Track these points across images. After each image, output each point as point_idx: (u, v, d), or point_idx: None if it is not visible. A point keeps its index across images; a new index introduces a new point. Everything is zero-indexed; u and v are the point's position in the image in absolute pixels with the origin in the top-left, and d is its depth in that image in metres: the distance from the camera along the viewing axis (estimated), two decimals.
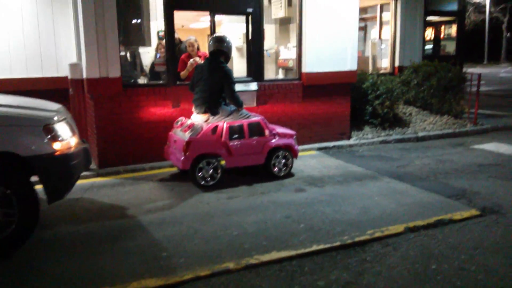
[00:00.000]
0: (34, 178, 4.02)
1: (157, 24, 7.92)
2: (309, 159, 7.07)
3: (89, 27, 6.15)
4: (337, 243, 4.01)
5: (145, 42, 7.25)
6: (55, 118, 4.10)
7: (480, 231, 4.29)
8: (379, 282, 3.38)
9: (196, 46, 7.49)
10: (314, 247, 3.93)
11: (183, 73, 7.00)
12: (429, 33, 12.80)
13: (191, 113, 6.27)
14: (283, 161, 6.09)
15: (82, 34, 6.32)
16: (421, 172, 6.35)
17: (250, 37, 7.52)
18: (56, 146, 3.97)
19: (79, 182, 5.08)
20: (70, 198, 5.07)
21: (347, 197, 5.26)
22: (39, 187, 3.99)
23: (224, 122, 5.80)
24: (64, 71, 7.74)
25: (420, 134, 8.68)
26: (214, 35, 6.16)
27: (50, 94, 6.71)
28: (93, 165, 6.33)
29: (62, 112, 4.41)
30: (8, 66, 7.53)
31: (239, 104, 5.95)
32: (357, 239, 4.09)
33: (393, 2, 11.06)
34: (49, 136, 3.94)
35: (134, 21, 6.95)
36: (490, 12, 38.90)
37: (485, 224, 4.44)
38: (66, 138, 4.12)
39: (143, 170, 6.52)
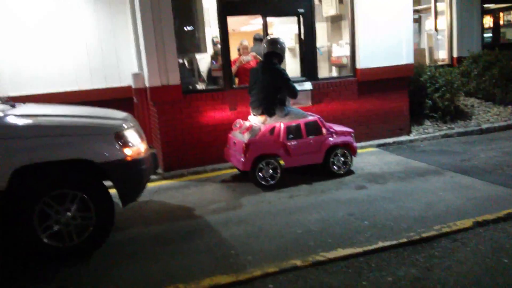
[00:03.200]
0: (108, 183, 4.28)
1: (211, 30, 8.14)
2: (369, 156, 7.02)
3: (148, 38, 6.44)
4: (404, 240, 3.98)
5: (201, 48, 7.47)
6: (125, 126, 4.34)
7: None
8: (449, 277, 3.33)
9: (248, 49, 7.71)
10: (380, 244, 3.92)
11: (233, 68, 7.39)
12: (487, 21, 12.27)
13: (249, 115, 6.41)
14: (342, 159, 6.09)
15: (142, 45, 6.63)
16: (487, 165, 6.14)
17: (302, 37, 7.57)
18: (127, 152, 4.20)
19: (147, 185, 5.33)
20: (140, 200, 5.31)
21: (410, 193, 5.19)
22: (113, 191, 4.25)
23: (281, 123, 5.89)
24: (126, 81, 8.13)
25: (484, 126, 8.36)
26: (268, 37, 6.26)
27: (114, 103, 7.07)
28: (158, 169, 6.60)
29: (130, 120, 4.66)
30: (74, 79, 8.00)
31: (296, 95, 6.03)
32: (424, 235, 4.04)
33: None
34: (121, 143, 4.18)
35: (189, 29, 7.18)
36: None
37: None
38: (136, 144, 4.35)
39: (205, 172, 6.74)
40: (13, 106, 4.46)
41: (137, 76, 6.92)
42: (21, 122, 4.00)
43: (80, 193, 4.01)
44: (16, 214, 3.87)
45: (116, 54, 8.23)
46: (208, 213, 5.04)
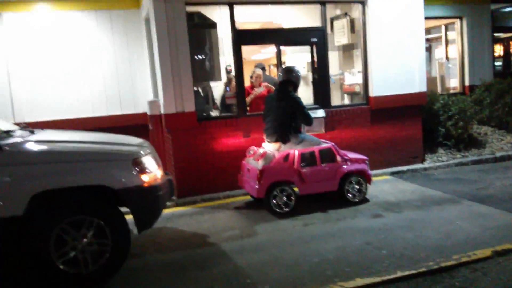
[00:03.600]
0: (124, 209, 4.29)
1: (225, 59, 8.28)
2: (383, 184, 6.98)
3: (165, 66, 6.56)
4: (423, 269, 3.93)
5: (215, 76, 7.58)
6: (142, 152, 4.38)
7: None
8: None
9: (261, 78, 7.82)
10: (399, 273, 3.87)
11: (247, 99, 7.41)
12: (498, 50, 12.34)
13: (262, 142, 6.44)
14: (357, 186, 6.06)
15: (158, 73, 6.74)
16: (503, 193, 6.07)
17: (315, 65, 7.67)
18: (144, 178, 4.23)
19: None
20: (154, 227, 5.28)
21: (427, 222, 5.13)
22: (129, 217, 4.25)
23: (295, 150, 5.90)
24: (141, 108, 8.27)
25: (498, 154, 8.30)
26: (284, 66, 6.36)
27: (128, 130, 7.17)
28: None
29: (147, 146, 4.70)
30: (90, 106, 8.14)
31: (311, 122, 6.08)
32: (443, 264, 3.99)
33: (459, 21, 10.80)
34: (138, 169, 4.21)
35: (204, 57, 7.32)
36: None
37: None
38: (153, 171, 4.38)
39: (219, 199, 6.73)
40: (32, 132, 4.53)
41: (153, 104, 7.02)
42: (39, 148, 4.06)
43: (97, 219, 4.02)
44: (33, 240, 3.88)
45: (132, 82, 8.39)
46: (223, 240, 5.01)
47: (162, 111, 6.80)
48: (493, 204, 5.61)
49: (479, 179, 7.01)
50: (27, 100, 7.82)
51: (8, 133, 4.17)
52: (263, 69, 8.66)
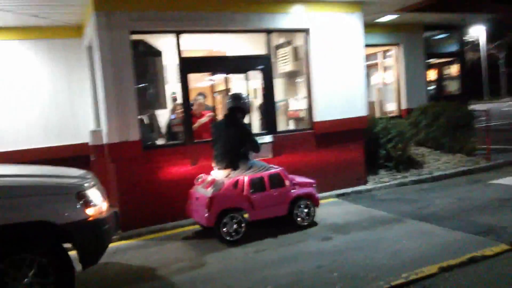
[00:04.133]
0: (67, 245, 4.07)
1: (170, 86, 8.21)
2: (330, 206, 7.10)
3: (109, 95, 6.41)
4: None
5: (161, 104, 7.49)
6: (86, 185, 4.20)
7: None
8: None
9: (204, 106, 7.82)
10: None
11: (193, 127, 7.36)
12: (432, 75, 13.08)
13: (210, 169, 6.38)
14: (306, 210, 6.11)
15: (102, 102, 6.57)
16: (444, 211, 6.34)
17: (261, 92, 7.78)
18: (89, 212, 4.05)
19: None
20: (99, 262, 5.05)
21: (375, 242, 5.24)
22: (73, 253, 4.03)
23: (245, 176, 5.89)
24: (82, 138, 7.97)
25: (436, 173, 8.71)
26: (232, 93, 6.41)
27: (69, 161, 6.88)
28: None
29: (91, 178, 4.51)
30: (27, 138, 7.77)
31: (258, 149, 6.10)
32: (393, 283, 4.07)
33: (396, 48, 11.42)
34: (82, 203, 4.02)
35: (150, 85, 7.24)
36: (486, 50, 39.81)
37: None
38: (98, 203, 4.20)
39: (166, 230, 6.55)
40: None
41: (95, 133, 6.81)
42: None
43: (39, 257, 3.77)
44: None
45: (72, 112, 8.13)
46: (172, 273, 4.85)
47: (105, 141, 6.59)
48: (435, 221, 5.84)
49: (419, 198, 7.29)
50: None
51: None
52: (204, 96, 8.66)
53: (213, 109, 8.03)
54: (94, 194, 4.22)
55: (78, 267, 4.10)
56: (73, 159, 7.45)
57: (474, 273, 4.16)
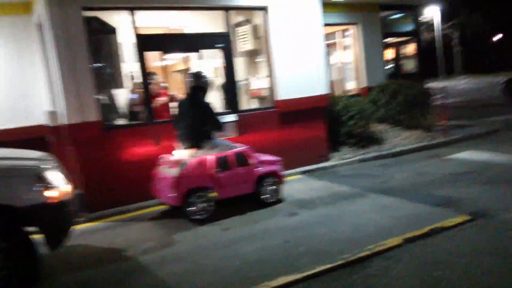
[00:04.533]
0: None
1: (127, 66, 7.99)
2: (295, 183, 7.18)
3: (63, 74, 6.18)
4: (340, 262, 4.07)
5: (118, 84, 7.27)
6: (46, 166, 4.06)
7: (474, 234, 4.47)
8: None
9: (160, 85, 7.70)
10: (318, 268, 3.97)
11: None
12: (389, 54, 13.33)
13: (173, 149, 6.29)
14: (271, 187, 6.16)
15: (56, 82, 6.30)
16: (404, 185, 6.54)
17: (223, 71, 7.70)
18: (50, 194, 3.92)
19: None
20: (65, 245, 4.94)
21: (340, 217, 5.36)
22: (37, 237, 3.91)
23: (210, 155, 5.85)
24: (36, 120, 7.65)
25: (396, 149, 8.97)
26: (192, 72, 6.29)
27: (23, 143, 6.61)
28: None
29: (52, 160, 4.37)
30: None
31: (220, 128, 6.07)
32: (358, 255, 4.17)
33: (354, 27, 11.53)
34: (42, 185, 3.89)
35: (106, 64, 7.00)
36: (440, 29, 41.01)
37: (477, 228, 4.62)
38: (59, 186, 4.07)
39: (132, 211, 6.46)
40: None
41: (52, 114, 6.54)
42: None
43: (1, 241, 3.63)
44: None
45: (24, 92, 7.78)
46: (140, 253, 4.80)
47: (62, 122, 6.36)
48: (397, 195, 6.02)
49: (381, 173, 7.49)
50: None
51: None
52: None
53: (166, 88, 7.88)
54: (55, 176, 4.09)
55: (44, 250, 3.99)
56: (27, 142, 7.17)
57: (436, 244, 4.32)
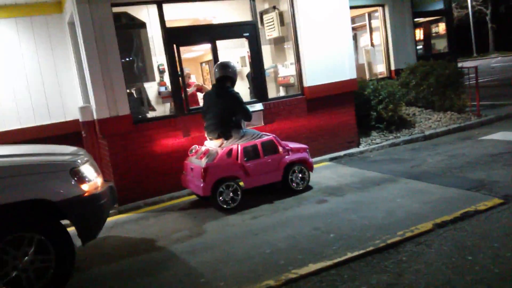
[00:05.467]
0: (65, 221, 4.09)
1: (157, 59, 8.11)
2: (324, 170, 7.16)
3: (94, 70, 6.32)
4: (371, 248, 4.06)
5: (149, 77, 7.41)
6: (80, 161, 4.19)
7: (507, 218, 4.35)
8: (420, 279, 3.42)
9: (190, 77, 7.82)
10: (349, 255, 3.98)
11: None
12: (419, 34, 13.01)
13: (203, 140, 6.38)
14: (300, 175, 6.16)
15: (88, 78, 6.47)
16: (436, 169, 6.41)
17: (249, 60, 7.71)
18: (84, 187, 4.05)
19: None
20: (98, 237, 5.06)
21: (370, 203, 5.32)
22: (71, 229, 4.06)
23: (238, 145, 5.90)
24: (71, 115, 7.91)
25: (427, 132, 8.78)
26: (219, 62, 6.32)
27: (60, 139, 6.86)
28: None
29: (84, 154, 4.50)
30: (17, 118, 7.69)
31: (250, 118, 6.09)
32: (389, 241, 4.15)
33: (381, 9, 11.29)
34: (76, 179, 4.02)
35: (136, 58, 7.13)
36: (472, 6, 39.57)
37: (510, 211, 4.50)
38: (92, 179, 4.20)
39: (163, 202, 6.59)
40: None
41: (84, 109, 6.73)
42: None
43: (38, 235, 3.80)
44: None
45: (60, 89, 8.05)
46: (172, 243, 4.91)
47: (95, 117, 6.54)
48: (428, 179, 5.91)
49: (412, 157, 7.36)
50: None
51: None
52: None
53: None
54: (88, 170, 4.21)
55: (78, 242, 4.14)
56: (64, 137, 7.44)
57: (468, 228, 4.24)
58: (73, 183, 3.99)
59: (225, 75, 6.08)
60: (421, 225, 4.40)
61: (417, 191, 5.51)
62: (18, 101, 7.71)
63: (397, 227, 4.45)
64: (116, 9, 6.60)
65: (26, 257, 3.76)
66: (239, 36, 7.68)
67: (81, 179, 4.06)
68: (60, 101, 8.01)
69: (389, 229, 4.43)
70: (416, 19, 12.07)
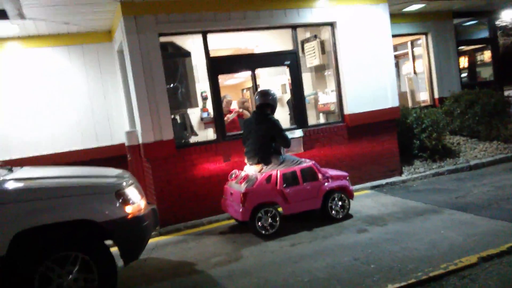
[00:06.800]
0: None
1: (200, 85, 8.34)
2: (364, 199, 7.06)
3: (141, 97, 6.57)
4: (412, 280, 3.96)
5: (192, 103, 7.60)
6: (125, 184, 4.34)
7: None
8: None
9: (231, 104, 8.01)
10: (390, 287, 3.89)
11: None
12: (463, 62, 12.78)
13: (243, 165, 6.46)
14: (340, 203, 6.10)
15: (135, 104, 6.73)
16: (482, 200, 6.21)
17: (290, 87, 7.82)
18: (128, 209, 4.18)
19: None
20: (139, 258, 5.20)
21: (412, 233, 5.19)
22: (114, 249, 4.17)
23: (277, 170, 5.93)
24: (117, 139, 8.20)
25: (472, 162, 8.52)
26: (260, 90, 6.45)
27: (106, 161, 7.10)
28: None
29: (129, 177, 4.65)
30: (65, 141, 8.04)
31: (289, 145, 6.13)
32: (431, 274, 4.03)
33: (424, 37, 11.19)
34: (121, 201, 4.16)
35: (180, 85, 7.35)
36: None
37: None
38: (136, 201, 4.33)
39: (202, 225, 6.67)
40: (11, 170, 4.45)
41: (130, 134, 6.97)
42: (20, 186, 3.99)
43: (82, 254, 3.93)
44: (16, 280, 3.76)
45: (107, 113, 8.35)
46: (210, 267, 4.95)
47: (140, 141, 6.76)
48: (473, 211, 5.73)
49: (457, 187, 7.16)
50: (0, 139, 7.66)
51: None
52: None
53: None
54: (132, 192, 4.35)
55: (120, 263, 4.25)
56: (109, 160, 7.69)
57: None
58: (117, 205, 4.12)
59: (265, 102, 6.18)
60: (466, 258, 4.26)
61: (462, 223, 5.34)
62: (68, 125, 8.07)
63: (440, 259, 4.32)
64: (163, 39, 6.87)
65: (70, 276, 3.89)
66: (280, 64, 7.82)
67: (126, 201, 4.19)
68: (108, 125, 8.33)
69: (432, 261, 4.31)
70: (460, 47, 11.88)
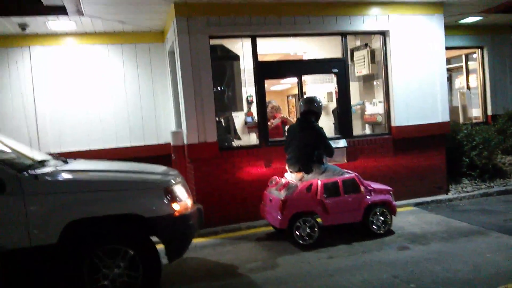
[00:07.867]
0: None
1: (246, 89, 8.40)
2: (408, 215, 6.86)
3: (188, 98, 6.69)
4: None
5: (237, 107, 7.66)
6: (173, 181, 4.40)
7: None
8: None
9: (276, 109, 8.10)
10: None
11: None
12: None
13: (283, 171, 6.43)
14: (382, 218, 5.96)
15: (182, 105, 6.85)
16: None
17: (336, 96, 7.73)
18: (175, 207, 4.23)
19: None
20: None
21: (456, 255, 5.00)
22: (159, 247, 4.24)
23: (318, 180, 5.86)
24: (163, 139, 8.38)
25: None
26: (305, 97, 6.42)
27: (151, 160, 7.26)
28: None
29: (177, 175, 4.72)
30: (114, 137, 8.29)
31: (332, 154, 6.06)
32: None
33: (479, 51, 10.79)
34: (169, 198, 4.21)
35: (227, 88, 7.43)
36: None
37: None
38: (183, 199, 4.38)
39: (240, 230, 6.69)
40: (65, 162, 4.62)
41: (176, 134, 7.10)
42: (73, 177, 4.14)
43: (130, 249, 4.03)
44: (67, 267, 3.90)
45: (155, 113, 8.55)
46: (246, 272, 4.95)
47: (185, 142, 6.88)
48: None
49: (505, 210, 6.84)
50: (53, 131, 8.01)
51: (42, 163, 4.25)
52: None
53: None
54: (180, 190, 4.41)
55: (163, 260, 4.31)
56: (154, 158, 7.86)
57: None
58: (165, 201, 4.17)
59: (310, 109, 6.14)
60: (511, 285, 4.06)
61: (509, 247, 5.10)
62: (117, 121, 8.32)
63: (483, 283, 4.15)
64: (213, 41, 6.97)
65: (117, 269, 4.00)
66: (328, 71, 7.76)
67: (173, 198, 4.24)
68: (155, 124, 8.52)
69: (475, 285, 4.14)
70: None
